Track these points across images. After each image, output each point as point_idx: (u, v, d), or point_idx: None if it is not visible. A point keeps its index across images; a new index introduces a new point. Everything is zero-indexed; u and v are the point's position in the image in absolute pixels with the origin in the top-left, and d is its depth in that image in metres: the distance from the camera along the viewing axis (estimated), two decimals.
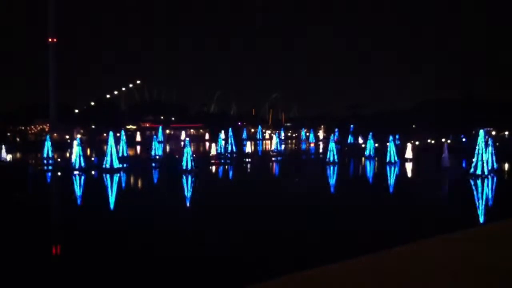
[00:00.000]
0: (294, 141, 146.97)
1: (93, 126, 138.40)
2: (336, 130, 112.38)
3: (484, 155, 46.93)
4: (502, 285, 4.02)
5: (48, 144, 67.05)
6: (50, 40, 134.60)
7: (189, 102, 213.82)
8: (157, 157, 67.07)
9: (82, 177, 49.40)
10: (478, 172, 46.63)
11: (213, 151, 76.22)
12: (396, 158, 63.20)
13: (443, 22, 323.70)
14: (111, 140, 52.97)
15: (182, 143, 75.66)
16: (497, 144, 65.22)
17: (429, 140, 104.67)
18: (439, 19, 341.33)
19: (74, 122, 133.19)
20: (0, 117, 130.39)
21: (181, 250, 21.44)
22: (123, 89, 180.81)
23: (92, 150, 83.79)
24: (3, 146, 64.28)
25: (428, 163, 60.83)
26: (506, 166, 61.39)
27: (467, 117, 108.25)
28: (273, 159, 74.33)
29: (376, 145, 73.86)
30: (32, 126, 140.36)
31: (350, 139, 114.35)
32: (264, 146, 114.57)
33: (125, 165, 56.90)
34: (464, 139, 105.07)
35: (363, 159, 71.61)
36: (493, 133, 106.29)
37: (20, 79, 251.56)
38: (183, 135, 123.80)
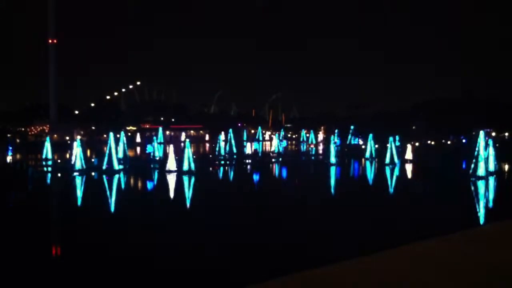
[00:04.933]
0: (294, 142, 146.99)
1: (93, 127, 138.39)
2: (336, 131, 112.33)
3: (484, 156, 46.90)
4: (502, 285, 4.02)
5: (48, 145, 67.03)
6: (50, 40, 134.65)
7: (189, 102, 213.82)
8: (157, 158, 67.05)
9: (82, 178, 49.37)
10: (478, 173, 46.59)
11: (213, 152, 76.14)
12: (396, 160, 63.24)
13: (443, 22, 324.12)
14: (111, 141, 52.98)
15: (182, 144, 75.72)
16: (497, 145, 65.20)
17: (428, 141, 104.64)
18: (439, 19, 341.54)
19: (74, 123, 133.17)
20: (0, 117, 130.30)
21: (178, 252, 21.44)
22: (123, 89, 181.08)
23: (92, 151, 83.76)
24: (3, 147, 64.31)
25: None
26: (506, 167, 61.39)
27: (467, 118, 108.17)
28: (273, 160, 74.33)
29: (376, 146, 73.87)
30: (32, 127, 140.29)
31: (350, 140, 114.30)
32: (264, 147, 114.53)
33: (124, 166, 56.87)
34: (464, 140, 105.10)
35: (363, 160, 71.59)
36: (493, 134, 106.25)
37: (20, 79, 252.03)
38: (183, 136, 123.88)
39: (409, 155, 67.91)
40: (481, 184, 43.62)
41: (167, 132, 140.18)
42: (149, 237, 24.36)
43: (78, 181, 48.05)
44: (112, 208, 33.86)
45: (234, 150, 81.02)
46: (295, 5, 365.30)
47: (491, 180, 46.06)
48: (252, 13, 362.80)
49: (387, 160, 62.79)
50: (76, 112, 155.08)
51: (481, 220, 28.66)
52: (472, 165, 47.31)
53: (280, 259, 19.49)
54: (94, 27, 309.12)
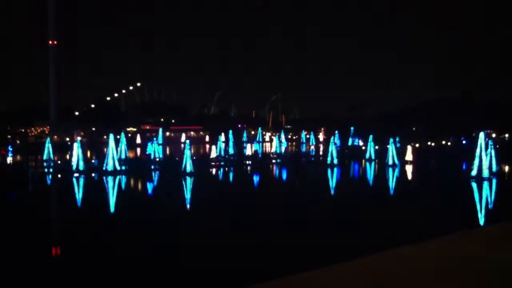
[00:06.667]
0: (294, 143, 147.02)
1: (93, 128, 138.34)
2: (336, 132, 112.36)
3: (484, 158, 46.85)
4: (502, 285, 4.01)
5: (48, 146, 67.02)
6: (50, 42, 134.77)
7: (189, 103, 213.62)
8: (157, 159, 67.02)
9: (82, 179, 49.37)
10: (478, 174, 46.53)
11: (213, 153, 75.98)
12: (396, 161, 63.18)
13: (443, 22, 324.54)
14: (111, 142, 52.98)
15: (182, 145, 75.70)
16: (497, 146, 65.19)
17: (428, 143, 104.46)
18: (439, 19, 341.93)
19: (74, 124, 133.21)
20: (0, 118, 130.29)
21: (177, 253, 21.44)
22: (123, 91, 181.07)
23: (92, 152, 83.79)
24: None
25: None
26: (507, 168, 61.37)
27: (467, 119, 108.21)
28: (273, 161, 74.30)
29: (377, 147, 73.85)
30: (32, 128, 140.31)
31: (350, 141, 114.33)
32: (264, 149, 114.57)
33: (124, 167, 56.87)
34: (464, 141, 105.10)
35: (363, 161, 71.59)
36: (493, 135, 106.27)
37: (20, 80, 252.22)
38: (183, 137, 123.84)
39: (409, 156, 67.73)
40: (481, 186, 43.59)
41: (167, 134, 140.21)
42: (147, 237, 24.36)
43: (78, 182, 48.04)
44: (111, 209, 33.85)
45: (234, 151, 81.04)
46: (295, 5, 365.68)
47: (492, 182, 46.01)
48: (252, 13, 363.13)
49: (390, 161, 62.78)
50: (76, 113, 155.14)
51: (480, 222, 28.66)
52: (472, 166, 47.28)
53: (277, 259, 19.49)
54: (94, 27, 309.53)
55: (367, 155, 71.67)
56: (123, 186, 47.16)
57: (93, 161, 63.02)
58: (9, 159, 64.57)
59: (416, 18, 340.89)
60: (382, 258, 4.54)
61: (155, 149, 69.10)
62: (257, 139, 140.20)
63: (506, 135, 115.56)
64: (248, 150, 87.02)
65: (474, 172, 46.88)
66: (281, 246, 22.28)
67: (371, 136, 71.26)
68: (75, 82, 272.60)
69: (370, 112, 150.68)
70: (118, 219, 30.28)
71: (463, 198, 38.68)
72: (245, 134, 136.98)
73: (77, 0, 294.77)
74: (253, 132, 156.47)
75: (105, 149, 58.33)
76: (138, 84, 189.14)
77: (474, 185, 44.00)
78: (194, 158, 54.35)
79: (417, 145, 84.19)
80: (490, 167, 48.01)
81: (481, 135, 47.68)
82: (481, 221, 28.71)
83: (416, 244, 4.99)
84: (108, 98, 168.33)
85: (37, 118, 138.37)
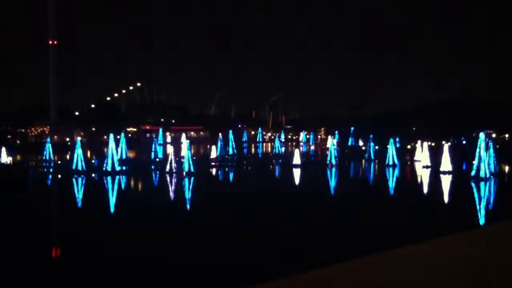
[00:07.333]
0: (294, 143, 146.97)
1: (93, 128, 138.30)
2: (336, 132, 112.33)
3: (484, 158, 46.78)
4: (502, 285, 4.01)
5: (48, 146, 67.00)
6: (50, 42, 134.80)
7: (189, 103, 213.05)
8: (158, 159, 66.97)
9: (82, 180, 49.33)
10: (478, 174, 46.47)
11: (213, 153, 75.96)
12: (396, 161, 63.11)
13: (443, 22, 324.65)
14: (111, 143, 52.93)
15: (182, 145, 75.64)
16: (498, 146, 65.15)
17: (429, 142, 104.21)
18: (439, 19, 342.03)
19: (74, 124, 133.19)
20: (0, 118, 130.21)
21: (177, 253, 21.44)
22: (123, 91, 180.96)
23: (92, 152, 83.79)
24: (3, 148, 64.25)
25: None
26: (507, 168, 61.33)
27: (467, 119, 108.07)
28: (273, 161, 74.26)
29: (377, 147, 73.80)
30: (32, 128, 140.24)
31: (350, 141, 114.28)
32: (264, 149, 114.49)
33: (125, 167, 56.87)
34: (464, 141, 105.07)
35: (363, 161, 71.55)
36: (493, 135, 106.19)
37: (20, 80, 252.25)
38: (183, 137, 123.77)
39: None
40: (481, 185, 43.54)
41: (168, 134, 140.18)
42: (143, 238, 24.35)
43: (78, 182, 47.99)
44: (111, 210, 33.85)
45: (234, 151, 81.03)
46: (295, 5, 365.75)
47: (491, 182, 45.95)
48: (251, 14, 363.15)
49: (387, 161, 62.74)
50: (76, 113, 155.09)
51: (482, 221, 28.65)
52: (473, 166, 47.19)
53: (276, 258, 19.49)
54: (94, 27, 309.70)
55: (367, 155, 71.60)
56: (123, 186, 47.13)
57: (93, 161, 62.97)
58: (9, 159, 64.57)
59: (416, 18, 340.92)
60: (382, 258, 4.53)
61: (156, 149, 69.09)
62: (257, 139, 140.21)
63: (506, 135, 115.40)
64: (248, 150, 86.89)
65: (473, 172, 46.78)
66: (285, 246, 22.28)
67: (371, 136, 71.21)
68: (75, 82, 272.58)
69: (370, 112, 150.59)
70: (118, 220, 30.29)
71: (462, 198, 38.64)
72: (245, 134, 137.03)
73: (77, 0, 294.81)
74: (253, 132, 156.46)
75: (105, 149, 58.29)
76: (138, 84, 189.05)
77: (473, 185, 43.92)
78: (194, 158, 54.29)
79: (417, 144, 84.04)
80: (494, 167, 47.99)
81: (481, 135, 47.61)
82: (481, 221, 28.68)
83: (416, 244, 4.99)
84: (108, 98, 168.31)
85: (37, 118, 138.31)
